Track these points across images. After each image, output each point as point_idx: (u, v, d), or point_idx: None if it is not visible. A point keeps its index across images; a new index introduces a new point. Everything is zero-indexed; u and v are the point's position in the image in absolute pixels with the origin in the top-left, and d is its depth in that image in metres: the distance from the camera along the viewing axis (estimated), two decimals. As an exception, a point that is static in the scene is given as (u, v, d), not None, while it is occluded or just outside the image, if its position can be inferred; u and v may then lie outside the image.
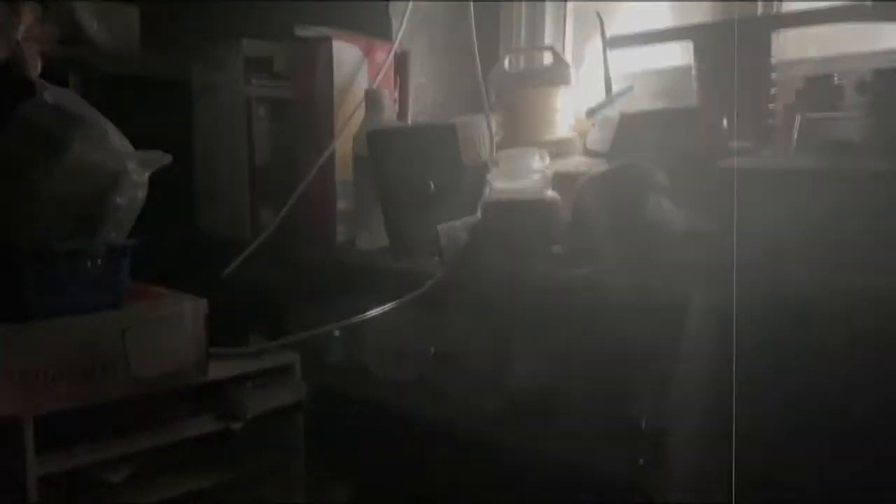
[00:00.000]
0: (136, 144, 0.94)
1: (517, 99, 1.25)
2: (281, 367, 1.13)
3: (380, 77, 1.28)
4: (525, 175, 0.98)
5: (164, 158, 0.92)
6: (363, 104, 1.21)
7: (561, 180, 1.02)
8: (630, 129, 0.98)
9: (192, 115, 1.37)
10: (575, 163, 1.12)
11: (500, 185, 0.99)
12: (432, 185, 1.07)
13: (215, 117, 1.34)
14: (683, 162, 0.89)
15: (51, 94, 0.94)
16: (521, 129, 1.25)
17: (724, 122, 0.92)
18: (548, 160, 0.98)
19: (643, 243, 0.79)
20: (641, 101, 1.21)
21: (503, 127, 1.27)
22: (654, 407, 0.80)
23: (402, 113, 1.35)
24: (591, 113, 1.08)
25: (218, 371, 1.05)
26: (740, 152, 0.90)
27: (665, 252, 0.79)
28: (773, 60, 0.98)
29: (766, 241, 0.77)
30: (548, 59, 1.30)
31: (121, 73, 1.30)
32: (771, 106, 0.97)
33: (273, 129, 1.28)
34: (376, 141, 1.06)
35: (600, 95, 1.24)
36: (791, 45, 1.00)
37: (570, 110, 1.24)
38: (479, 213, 1.03)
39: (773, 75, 0.98)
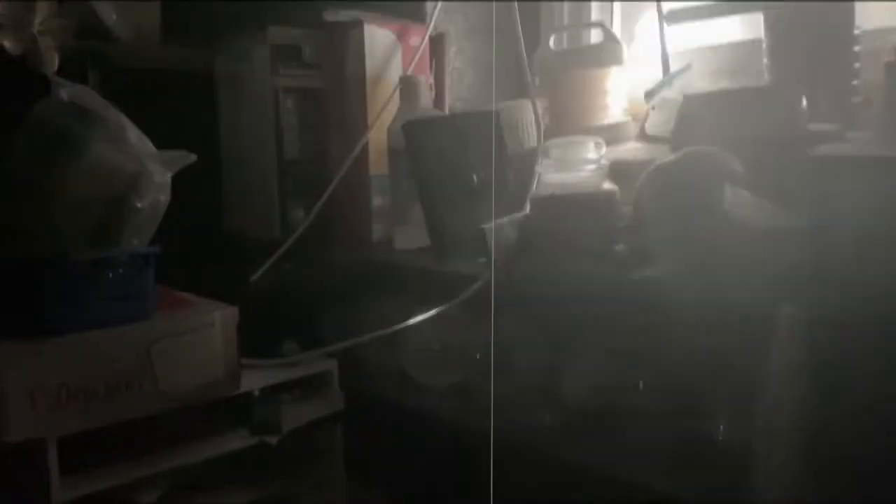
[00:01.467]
0: (159, 142, 0.90)
1: (564, 81, 1.18)
2: (317, 377, 1.08)
3: (414, 62, 1.22)
4: (579, 165, 0.91)
5: (188, 158, 0.87)
6: (398, 92, 1.15)
7: (617, 170, 0.95)
8: (695, 111, 0.90)
9: (217, 109, 1.34)
10: (632, 150, 1.04)
11: (551, 177, 0.92)
12: (475, 179, 1.00)
13: (241, 111, 1.30)
14: (759, 148, 0.81)
15: (67, 91, 0.89)
16: (569, 115, 1.17)
17: (804, 101, 0.83)
18: (604, 149, 0.90)
19: (720, 241, 0.71)
20: (700, 81, 1.13)
21: (549, 112, 1.20)
22: (733, 423, 0.72)
23: (438, 100, 1.28)
24: (650, 95, 1.00)
25: (251, 383, 1.00)
26: (823, 136, 0.81)
27: (745, 251, 0.71)
28: (856, 31, 0.89)
29: (859, 238, 0.69)
30: (596, 36, 1.22)
31: (141, 67, 1.27)
32: (855, 82, 0.88)
33: (302, 122, 1.24)
34: (413, 131, 1.00)
35: (654, 76, 1.17)
36: (877, 12, 0.91)
37: (622, 92, 1.16)
38: (527, 209, 0.97)
39: (857, 47, 0.89)
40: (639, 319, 0.79)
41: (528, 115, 1.18)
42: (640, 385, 0.81)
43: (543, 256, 0.89)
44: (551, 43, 1.21)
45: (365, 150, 1.15)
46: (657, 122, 1.00)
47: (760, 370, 0.69)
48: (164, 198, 0.88)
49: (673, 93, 1.06)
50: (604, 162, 0.90)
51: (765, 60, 0.94)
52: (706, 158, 0.76)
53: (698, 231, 0.72)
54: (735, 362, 0.72)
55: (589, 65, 1.16)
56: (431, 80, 1.28)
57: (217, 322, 0.95)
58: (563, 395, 0.93)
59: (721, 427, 0.73)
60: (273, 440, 1.02)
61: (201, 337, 0.94)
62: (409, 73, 1.17)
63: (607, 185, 0.89)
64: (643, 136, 1.06)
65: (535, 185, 1.01)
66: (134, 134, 0.88)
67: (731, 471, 0.74)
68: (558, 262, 0.87)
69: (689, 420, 0.76)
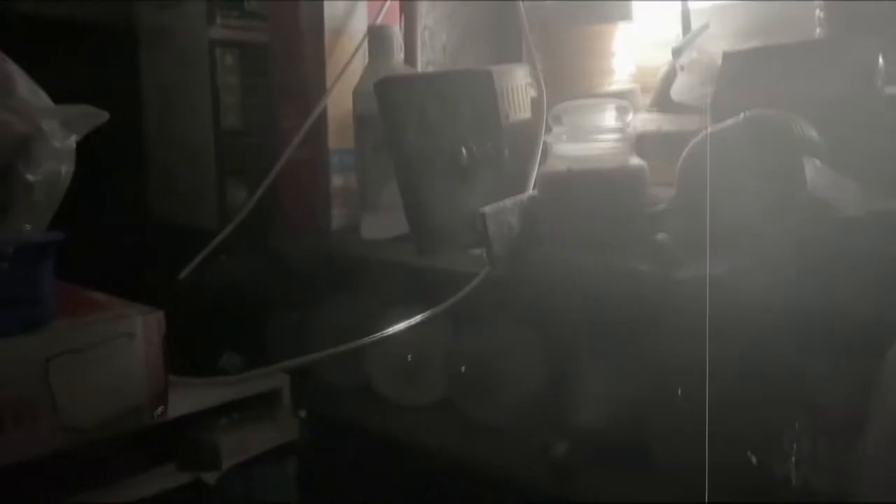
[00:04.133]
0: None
1: (560, 40, 1.03)
2: (265, 396, 0.92)
3: (382, 15, 1.06)
4: (598, 135, 0.76)
5: (98, 116, 0.69)
6: (364, 48, 0.99)
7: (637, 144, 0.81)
8: (740, 70, 0.77)
9: (140, 68, 1.16)
10: (649, 121, 0.91)
11: (562, 148, 0.77)
12: (465, 152, 0.84)
13: (169, 70, 1.12)
14: (828, 114, 0.67)
15: (-66, 30, 0.70)
16: (565, 80, 1.03)
17: (880, 59, 0.70)
18: (631, 114, 0.76)
19: (804, 228, 0.58)
20: (722, 42, 1.00)
21: (534, 79, 1.06)
22: (821, 462, 0.59)
23: (408, 61, 1.12)
24: (678, 52, 0.87)
25: (181, 406, 0.84)
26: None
27: (838, 241, 0.57)
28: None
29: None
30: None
31: (45, 14, 1.09)
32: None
33: (245, 84, 1.08)
34: (389, 91, 0.84)
35: (668, 37, 1.05)
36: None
37: (630, 55, 1.02)
38: (532, 189, 0.82)
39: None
40: (691, 332, 0.64)
41: (521, 82, 1.04)
42: (688, 413, 0.67)
43: (556, 249, 0.75)
44: (545, -6, 1.06)
45: (323, 117, 1.00)
46: (686, 87, 0.86)
47: (861, 399, 0.55)
48: (67, 169, 0.70)
49: (693, 53, 0.93)
50: (630, 130, 0.76)
51: (818, 12, 0.81)
52: (777, 124, 0.62)
53: (777, 217, 0.58)
54: (825, 387, 0.58)
55: (591, 20, 1.01)
56: (401, 41, 1.13)
57: (137, 330, 0.78)
58: (575, 414, 0.79)
59: (803, 474, 0.59)
60: (211, 478, 0.86)
61: (117, 350, 0.77)
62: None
63: (636, 161, 0.74)
64: (662, 103, 0.92)
65: (537, 161, 0.86)
66: (25, 86, 0.71)
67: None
68: (576, 256, 0.72)
69: (760, 466, 0.63)
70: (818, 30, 0.82)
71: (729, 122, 0.65)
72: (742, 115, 0.65)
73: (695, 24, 1.00)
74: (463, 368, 0.89)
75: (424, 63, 1.21)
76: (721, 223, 0.63)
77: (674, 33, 1.09)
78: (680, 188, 0.68)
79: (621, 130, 0.76)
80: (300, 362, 0.86)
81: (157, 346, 0.79)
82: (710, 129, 0.67)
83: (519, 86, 1.05)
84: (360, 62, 1.00)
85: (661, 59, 1.05)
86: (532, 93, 1.07)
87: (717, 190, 0.64)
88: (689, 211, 0.67)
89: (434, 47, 1.24)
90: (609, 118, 0.77)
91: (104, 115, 0.69)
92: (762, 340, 0.61)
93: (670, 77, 0.90)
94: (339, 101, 0.99)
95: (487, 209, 0.74)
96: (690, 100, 0.86)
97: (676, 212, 0.68)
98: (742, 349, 0.61)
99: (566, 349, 0.79)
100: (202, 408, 0.87)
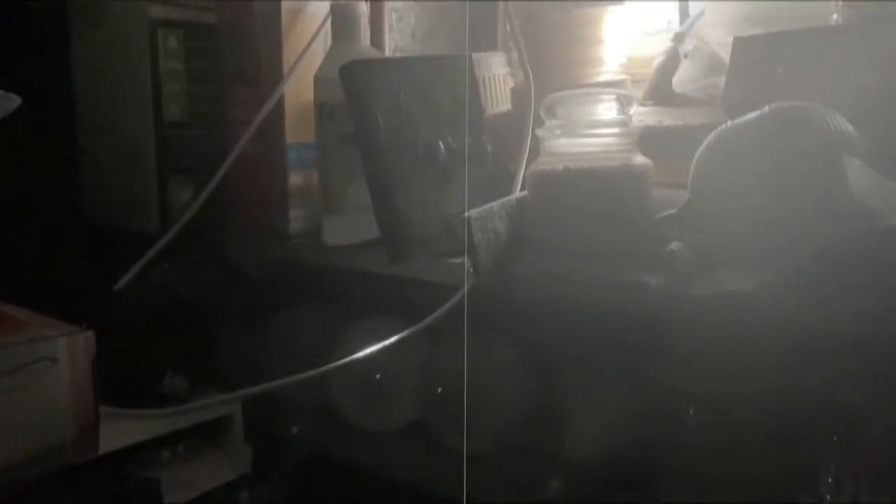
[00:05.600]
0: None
1: (544, 25, 0.96)
2: (214, 424, 0.83)
3: (345, -3, 0.98)
4: (597, 129, 0.69)
5: (8, 101, 0.60)
6: (326, 29, 0.91)
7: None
8: (751, 59, 0.70)
9: (70, 52, 1.07)
10: (645, 115, 0.84)
11: (558, 145, 0.69)
12: (443, 147, 0.76)
13: (104, 55, 1.03)
14: (861, 106, 0.61)
15: None
16: (549, 70, 0.95)
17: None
18: (634, 106, 0.69)
19: (845, 238, 0.50)
20: (719, 31, 0.94)
21: (521, 67, 0.98)
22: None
23: (375, 46, 1.04)
24: (680, 37, 0.80)
25: (115, 439, 0.75)
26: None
27: (886, 254, 0.50)
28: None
29: None
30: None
31: None
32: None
33: (191, 70, 0.99)
34: (356, 79, 0.75)
35: (651, 26, 0.99)
36: None
37: (621, 43, 0.96)
38: (517, 191, 0.75)
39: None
40: (708, 356, 0.57)
41: (498, 72, 0.97)
42: (698, 449, 0.60)
43: (550, 258, 0.67)
44: (527, -26, 0.99)
45: (279, 107, 0.91)
46: (689, 77, 0.79)
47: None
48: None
49: (691, 43, 0.87)
50: (633, 125, 0.68)
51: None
52: (810, 117, 0.55)
53: (812, 225, 0.51)
54: (870, 423, 0.51)
55: (577, 3, 0.94)
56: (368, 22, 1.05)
57: (61, 353, 0.68)
58: (570, 446, 0.71)
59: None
60: (149, 521, 0.77)
61: (36, 377, 0.68)
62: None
63: (640, 159, 0.67)
64: (659, 95, 0.85)
65: (524, 158, 0.78)
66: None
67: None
68: (573, 268, 0.65)
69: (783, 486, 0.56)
70: (834, 16, 0.76)
71: (752, 115, 0.58)
72: (767, 107, 0.58)
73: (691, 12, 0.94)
74: (440, 390, 0.82)
75: (392, 49, 1.13)
76: (745, 231, 0.56)
77: (663, 21, 1.04)
78: (695, 190, 0.61)
79: (624, 124, 0.68)
80: (254, 392, 0.78)
81: (84, 372, 0.70)
82: (730, 123, 0.59)
83: (496, 76, 0.98)
84: (322, 45, 0.91)
85: (650, 48, 0.99)
86: (511, 83, 1.00)
87: (740, 193, 0.57)
88: (706, 216, 0.59)
89: (402, 32, 1.16)
90: (609, 110, 0.69)
91: (14, 100, 0.59)
92: (795, 367, 0.53)
93: (668, 66, 0.83)
94: (298, 88, 0.91)
95: (473, 213, 0.66)
96: (693, 91, 0.79)
97: (691, 217, 0.60)
98: (772, 376, 0.54)
99: (559, 373, 0.71)
100: (140, 440, 0.78)
